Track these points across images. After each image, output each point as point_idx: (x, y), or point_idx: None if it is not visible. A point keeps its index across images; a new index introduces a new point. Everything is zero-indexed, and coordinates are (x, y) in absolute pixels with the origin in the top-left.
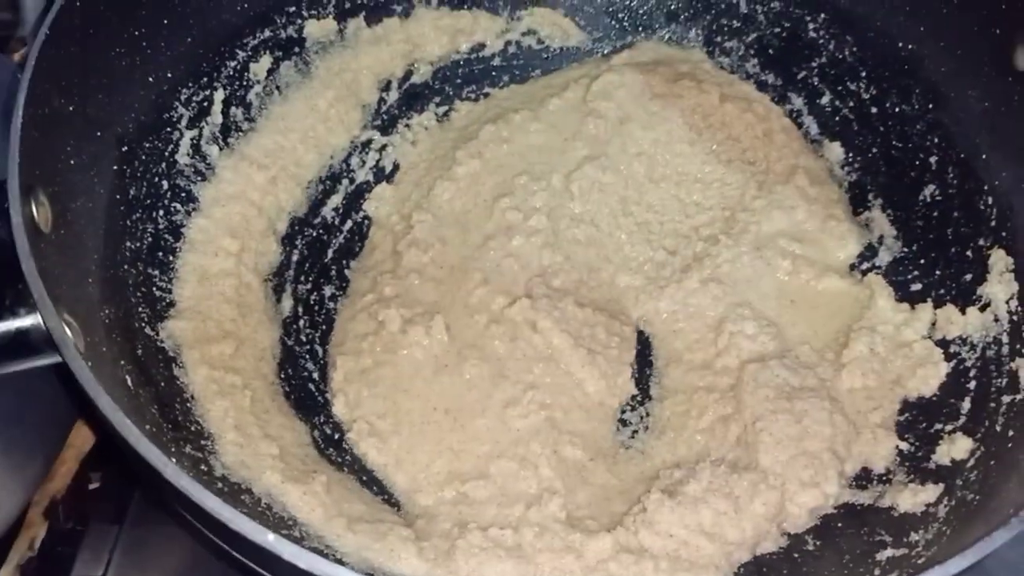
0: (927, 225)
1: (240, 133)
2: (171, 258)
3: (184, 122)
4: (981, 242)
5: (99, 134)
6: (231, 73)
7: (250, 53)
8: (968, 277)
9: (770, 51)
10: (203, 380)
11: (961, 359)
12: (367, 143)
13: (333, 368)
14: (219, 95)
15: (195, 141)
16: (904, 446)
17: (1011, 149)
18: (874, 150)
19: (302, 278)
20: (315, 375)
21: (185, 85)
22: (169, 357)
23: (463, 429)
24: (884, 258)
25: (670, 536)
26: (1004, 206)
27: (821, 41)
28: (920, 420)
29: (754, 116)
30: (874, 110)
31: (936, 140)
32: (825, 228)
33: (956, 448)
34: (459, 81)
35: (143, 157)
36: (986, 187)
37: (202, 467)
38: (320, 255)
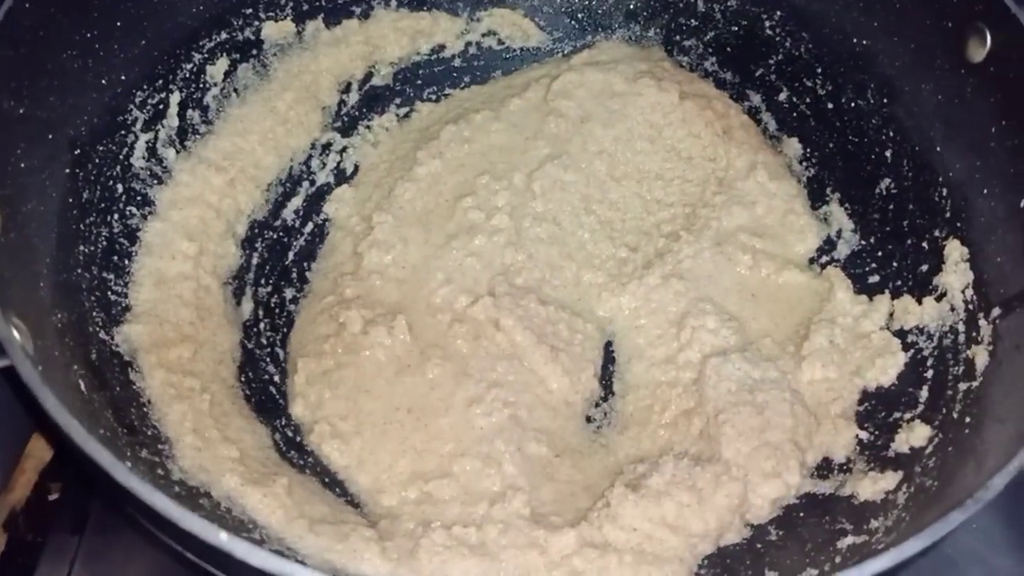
0: (884, 218)
1: (197, 136)
2: (126, 262)
3: (139, 125)
4: (936, 233)
5: (51, 136)
6: (187, 75)
7: (207, 55)
8: (924, 268)
9: (728, 49)
10: (160, 384)
11: (919, 348)
12: (327, 145)
13: (294, 371)
14: (175, 98)
15: (151, 144)
16: (864, 435)
17: (964, 141)
18: (831, 145)
19: (262, 281)
20: (276, 378)
21: (140, 87)
22: (125, 361)
23: (426, 428)
24: (843, 251)
25: (634, 530)
26: (958, 197)
27: (777, 38)
28: (879, 409)
29: (713, 113)
30: (830, 105)
31: (891, 134)
32: (785, 223)
33: (914, 436)
34: (419, 82)
35: (97, 160)
36: (940, 179)
37: (159, 471)
38: (280, 258)
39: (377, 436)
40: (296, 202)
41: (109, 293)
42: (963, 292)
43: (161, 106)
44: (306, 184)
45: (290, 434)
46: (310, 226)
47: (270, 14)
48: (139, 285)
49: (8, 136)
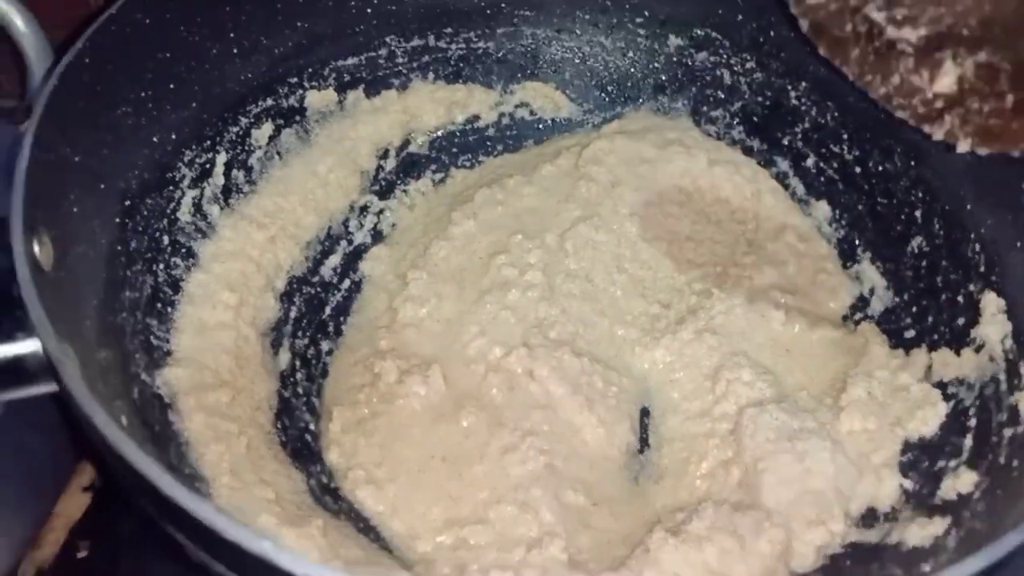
0: (917, 275)
1: (241, 195)
2: (169, 309)
3: (187, 182)
4: (971, 287)
5: (102, 187)
6: (234, 138)
7: (253, 120)
8: (961, 321)
9: (755, 118)
10: (199, 426)
11: (960, 399)
12: (365, 207)
13: (329, 419)
14: (221, 158)
15: (197, 200)
16: (908, 484)
17: (994, 198)
18: (860, 207)
19: (299, 333)
20: (312, 426)
21: (189, 147)
22: (165, 404)
23: (461, 476)
24: (876, 307)
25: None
26: (991, 252)
27: (803, 107)
28: (923, 459)
29: (742, 178)
30: (858, 170)
31: (920, 195)
32: (816, 281)
33: (961, 482)
34: (455, 150)
35: (145, 212)
36: (972, 235)
37: None
38: (318, 312)
39: (412, 483)
40: (334, 260)
41: (152, 338)
42: (1002, 342)
43: (208, 165)
44: (344, 243)
45: (325, 480)
46: (347, 283)
47: (314, 84)
48: (180, 332)
49: (62, 180)
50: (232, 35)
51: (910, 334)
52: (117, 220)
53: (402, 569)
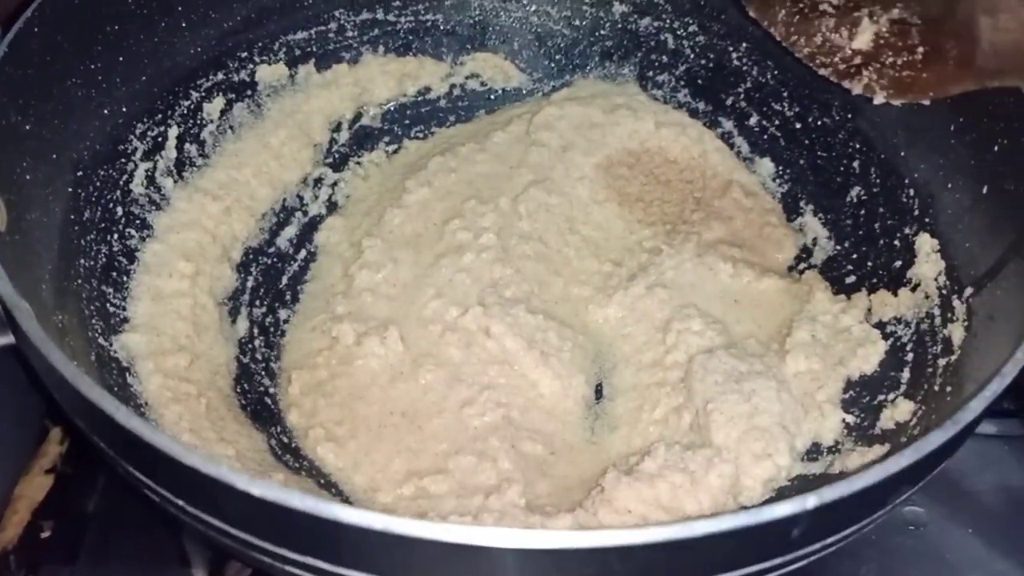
0: (856, 223)
1: (194, 168)
2: (125, 278)
3: (139, 155)
4: (907, 231)
5: (54, 156)
6: (185, 112)
7: (204, 94)
8: (898, 264)
9: (699, 81)
10: (157, 388)
11: (898, 336)
12: (319, 179)
13: (288, 383)
14: (173, 131)
15: (150, 173)
16: (850, 419)
17: (926, 144)
18: (801, 162)
19: (257, 302)
20: (271, 390)
21: (140, 120)
22: (123, 367)
23: (420, 430)
24: (819, 257)
25: (628, 512)
26: (925, 195)
27: (744, 68)
28: (864, 395)
29: (688, 139)
30: (798, 126)
31: (857, 146)
32: (762, 234)
33: (899, 411)
34: (407, 122)
35: (97, 183)
36: (907, 181)
37: None
38: (275, 281)
39: (372, 439)
40: (290, 231)
41: (108, 305)
42: (936, 279)
43: (160, 138)
44: (299, 215)
45: (285, 440)
46: (303, 253)
47: (264, 58)
48: (137, 300)
49: (14, 147)
50: (180, 8)
51: (851, 279)
52: (70, 190)
53: None
